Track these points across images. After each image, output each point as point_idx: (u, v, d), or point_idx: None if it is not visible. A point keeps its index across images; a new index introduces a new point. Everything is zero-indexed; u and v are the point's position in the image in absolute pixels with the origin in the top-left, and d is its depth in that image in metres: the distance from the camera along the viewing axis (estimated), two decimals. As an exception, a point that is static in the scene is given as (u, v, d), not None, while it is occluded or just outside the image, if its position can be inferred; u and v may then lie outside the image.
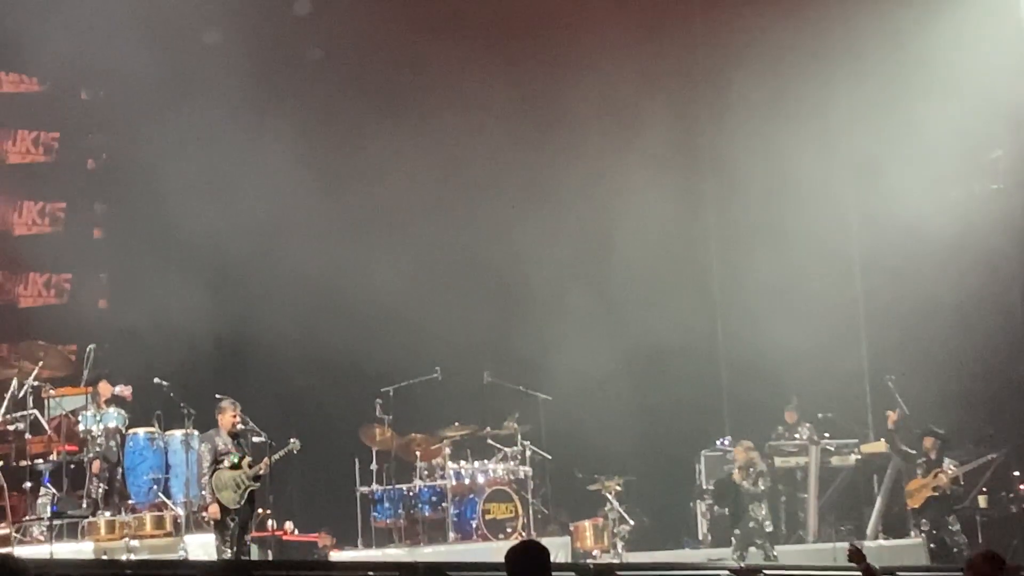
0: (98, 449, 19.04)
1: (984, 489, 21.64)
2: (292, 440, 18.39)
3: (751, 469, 21.03)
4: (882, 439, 22.15)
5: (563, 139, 24.11)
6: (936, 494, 20.89)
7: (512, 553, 10.40)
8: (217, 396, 19.02)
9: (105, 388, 19.59)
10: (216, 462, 18.13)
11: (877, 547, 20.80)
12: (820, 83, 23.12)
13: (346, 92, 23.73)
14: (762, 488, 20.90)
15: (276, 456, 18.28)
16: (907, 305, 22.22)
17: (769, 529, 20.55)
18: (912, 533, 21.37)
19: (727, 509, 21.12)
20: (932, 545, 20.80)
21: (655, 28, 23.88)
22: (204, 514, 18.35)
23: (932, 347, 22.14)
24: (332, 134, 23.30)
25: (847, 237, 23.75)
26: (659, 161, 23.52)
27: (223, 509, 17.97)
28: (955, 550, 20.46)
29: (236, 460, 18.09)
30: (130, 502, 18.97)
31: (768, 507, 20.67)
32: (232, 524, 18.01)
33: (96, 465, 18.98)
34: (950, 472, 20.89)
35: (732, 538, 20.67)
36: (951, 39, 22.09)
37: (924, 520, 21.04)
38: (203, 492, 18.26)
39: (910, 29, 22.41)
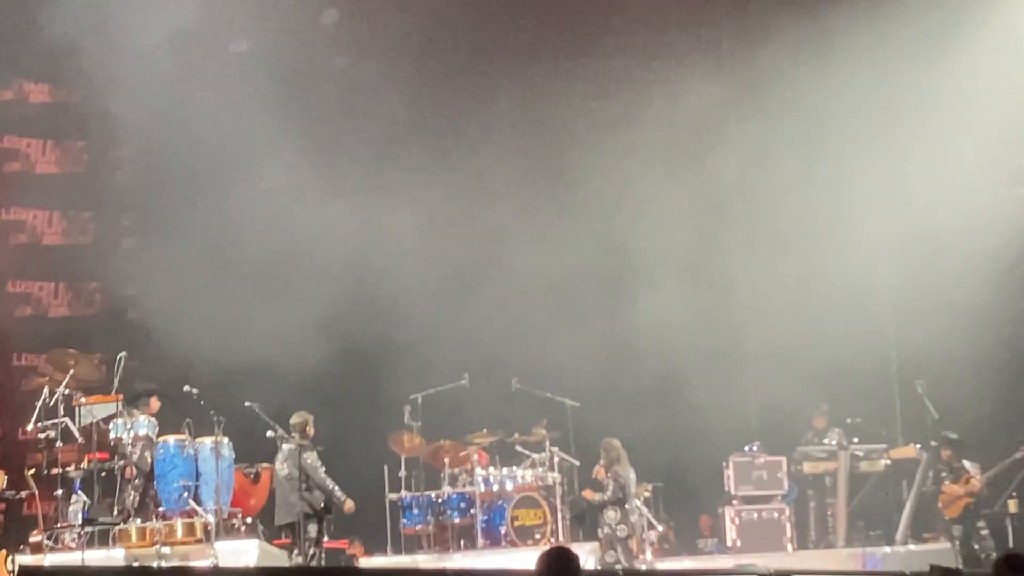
0: (134, 457, 19.16)
1: (1014, 493, 21.56)
2: None
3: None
4: (911, 444, 22.11)
5: (587, 150, 24.14)
6: (972, 500, 20.90)
7: (543, 559, 10.47)
8: (247, 403, 19.28)
9: (155, 404, 19.79)
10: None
11: (906, 552, 20.79)
12: (844, 90, 23.10)
13: (378, 102, 23.81)
14: (611, 494, 20.33)
15: None
16: (935, 309, 22.13)
17: (622, 534, 20.27)
18: (941, 538, 21.35)
19: (584, 516, 21.01)
20: (963, 550, 20.76)
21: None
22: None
23: (961, 351, 22.07)
24: (364, 140, 23.39)
25: (874, 243, 23.67)
26: (686, 168, 23.55)
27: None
28: (984, 555, 20.43)
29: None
30: (160, 509, 19.04)
31: (622, 512, 20.22)
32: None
33: (128, 471, 19.10)
34: (979, 477, 20.88)
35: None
36: (974, 47, 22.08)
37: (957, 526, 21.05)
38: (337, 494, 19.11)
39: (933, 38, 22.39)
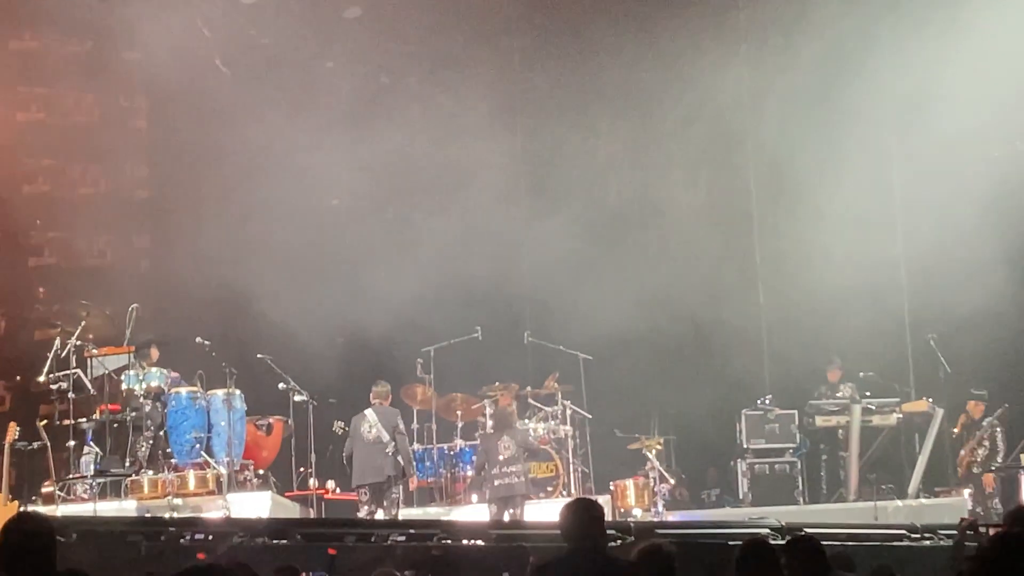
0: (145, 409, 19.22)
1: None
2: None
3: None
4: (923, 398, 22.09)
5: (609, 104, 24.10)
6: (979, 459, 21.01)
7: (567, 509, 10.69)
8: (260, 355, 19.32)
9: (155, 353, 19.83)
10: None
11: (919, 506, 20.78)
12: (863, 31, 22.96)
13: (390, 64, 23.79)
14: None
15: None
16: (948, 263, 22.02)
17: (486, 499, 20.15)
18: (953, 492, 21.39)
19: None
20: (978, 508, 20.77)
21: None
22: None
23: (973, 304, 21.94)
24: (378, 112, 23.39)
25: (888, 194, 23.54)
26: (700, 117, 23.46)
27: None
28: (993, 509, 20.49)
29: None
30: (172, 461, 19.11)
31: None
32: None
33: (141, 423, 19.15)
34: (989, 432, 21.01)
35: None
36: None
37: (971, 484, 21.14)
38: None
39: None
